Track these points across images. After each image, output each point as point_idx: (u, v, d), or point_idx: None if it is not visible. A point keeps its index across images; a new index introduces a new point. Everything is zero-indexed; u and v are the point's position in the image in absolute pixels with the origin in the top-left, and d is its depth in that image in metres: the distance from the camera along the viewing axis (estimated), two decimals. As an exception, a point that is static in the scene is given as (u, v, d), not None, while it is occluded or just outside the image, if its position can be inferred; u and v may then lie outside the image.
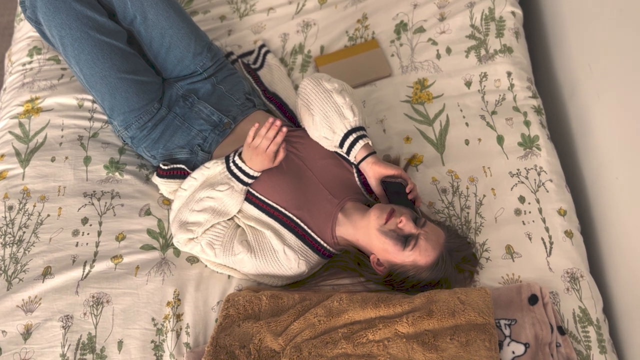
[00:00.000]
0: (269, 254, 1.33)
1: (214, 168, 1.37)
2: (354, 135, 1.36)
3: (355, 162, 1.39)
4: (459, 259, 1.31)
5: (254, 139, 1.31)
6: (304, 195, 1.37)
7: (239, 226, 1.39)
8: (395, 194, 1.34)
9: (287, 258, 1.32)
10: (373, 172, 1.36)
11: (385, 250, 1.28)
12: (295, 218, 1.36)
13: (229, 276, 1.40)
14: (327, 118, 1.38)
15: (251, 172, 1.34)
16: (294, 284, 1.38)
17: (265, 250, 1.33)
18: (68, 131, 1.57)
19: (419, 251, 1.25)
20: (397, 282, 1.30)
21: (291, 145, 1.44)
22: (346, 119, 1.37)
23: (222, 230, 1.36)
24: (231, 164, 1.36)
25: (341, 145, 1.38)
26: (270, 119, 1.31)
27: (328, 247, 1.37)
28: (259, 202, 1.37)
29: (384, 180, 1.35)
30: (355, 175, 1.43)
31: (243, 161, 1.34)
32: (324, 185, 1.40)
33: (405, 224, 1.25)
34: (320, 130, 1.40)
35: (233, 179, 1.35)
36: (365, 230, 1.31)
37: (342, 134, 1.37)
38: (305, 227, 1.35)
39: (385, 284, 1.32)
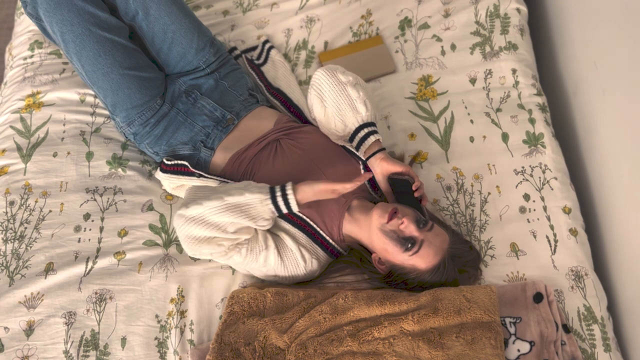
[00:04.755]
0: (289, 254, 1.31)
1: (250, 197, 1.23)
2: (366, 130, 1.35)
3: (363, 158, 1.38)
4: (462, 263, 1.29)
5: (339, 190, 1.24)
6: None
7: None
8: (401, 192, 1.33)
9: (302, 257, 1.31)
10: (381, 168, 1.35)
11: (385, 250, 1.27)
12: (304, 217, 1.35)
13: (233, 272, 1.39)
14: (339, 111, 1.37)
15: (295, 210, 1.24)
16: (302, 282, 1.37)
17: (286, 251, 1.31)
18: (70, 126, 1.56)
19: (419, 256, 1.24)
20: (398, 282, 1.30)
21: (298, 142, 1.43)
22: (359, 113, 1.36)
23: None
24: (280, 201, 1.23)
25: (351, 139, 1.37)
26: (365, 175, 1.24)
27: (336, 245, 1.36)
28: None
29: (391, 177, 1.34)
30: (362, 171, 1.42)
31: (295, 197, 1.23)
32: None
33: (407, 226, 1.24)
34: (331, 123, 1.39)
35: (276, 212, 1.25)
36: (368, 229, 1.30)
37: (354, 128, 1.36)
38: (315, 226, 1.35)
39: (386, 283, 1.32)
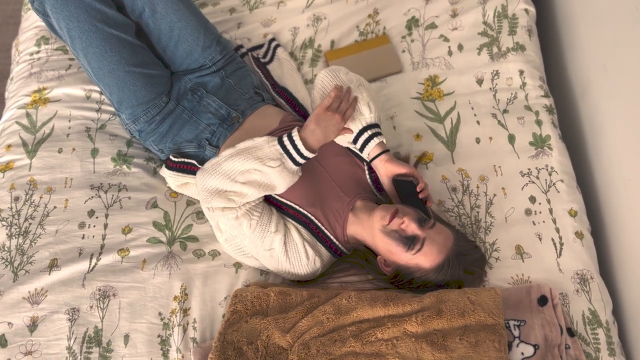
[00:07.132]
0: (293, 247, 1.31)
1: (258, 140, 1.28)
2: (369, 132, 1.35)
3: (367, 159, 1.38)
4: (467, 262, 1.29)
5: (330, 104, 1.28)
6: (317, 192, 1.36)
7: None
8: (406, 193, 1.33)
9: (306, 253, 1.31)
10: (385, 170, 1.35)
11: (388, 251, 1.27)
12: (309, 215, 1.35)
13: (236, 270, 1.39)
14: None
15: (306, 153, 1.26)
16: (305, 281, 1.37)
17: (291, 243, 1.31)
18: (75, 122, 1.56)
19: (423, 254, 1.24)
20: (403, 282, 1.29)
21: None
22: (362, 115, 1.36)
23: (261, 204, 1.31)
24: (286, 140, 1.26)
25: (355, 141, 1.37)
26: (339, 87, 1.31)
27: (339, 245, 1.36)
28: (273, 200, 1.36)
29: (395, 178, 1.34)
30: (367, 172, 1.42)
31: (301, 139, 1.26)
32: (336, 183, 1.39)
33: (408, 225, 1.24)
34: None
35: (285, 155, 1.26)
36: (370, 231, 1.30)
37: (357, 130, 1.36)
38: (319, 224, 1.35)
39: (392, 284, 1.31)
